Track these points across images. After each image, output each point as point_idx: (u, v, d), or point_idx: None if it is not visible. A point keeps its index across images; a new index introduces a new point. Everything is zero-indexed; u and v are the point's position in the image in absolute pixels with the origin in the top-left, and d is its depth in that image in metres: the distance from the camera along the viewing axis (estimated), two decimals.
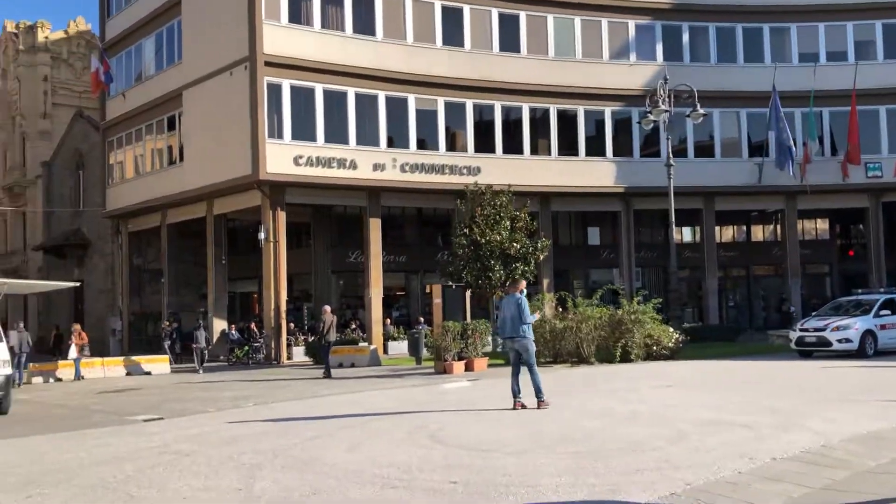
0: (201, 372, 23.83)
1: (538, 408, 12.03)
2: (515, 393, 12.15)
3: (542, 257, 26.05)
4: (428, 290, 36.94)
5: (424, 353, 23.31)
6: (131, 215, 36.66)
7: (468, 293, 28.46)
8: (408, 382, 17.99)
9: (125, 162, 36.57)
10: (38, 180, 46.43)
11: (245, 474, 8.16)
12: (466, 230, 25.64)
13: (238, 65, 28.66)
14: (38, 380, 23.46)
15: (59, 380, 23.67)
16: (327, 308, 22.50)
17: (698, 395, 13.51)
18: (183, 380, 22.48)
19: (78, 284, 22.74)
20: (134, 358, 27.04)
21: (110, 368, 25.25)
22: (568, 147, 33.43)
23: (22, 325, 24.33)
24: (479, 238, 24.84)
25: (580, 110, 33.45)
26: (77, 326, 25.70)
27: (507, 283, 12.46)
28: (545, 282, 32.38)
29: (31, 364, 24.41)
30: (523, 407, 11.95)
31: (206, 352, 25.96)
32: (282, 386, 18.47)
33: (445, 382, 17.48)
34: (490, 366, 20.61)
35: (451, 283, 22.31)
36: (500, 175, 29.53)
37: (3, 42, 50.07)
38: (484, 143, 32.11)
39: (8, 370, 14.52)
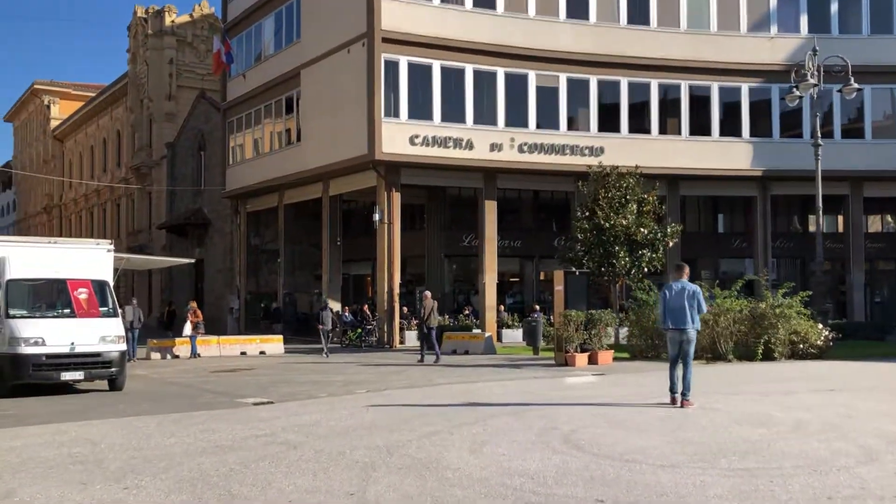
0: (327, 355, 22.99)
1: (682, 406, 10.65)
2: (675, 388, 11.04)
3: (671, 244, 24.24)
4: (542, 277, 35.64)
5: (541, 342, 22.05)
6: (250, 195, 36.99)
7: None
8: (527, 374, 16.81)
9: (244, 142, 36.90)
10: (162, 161, 47.86)
11: (358, 475, 7.21)
12: (588, 213, 24.23)
13: (356, 42, 28.08)
14: (156, 356, 23.68)
15: (177, 356, 23.82)
16: (427, 293, 21.93)
17: (873, 403, 11.68)
18: (295, 361, 22.12)
19: (193, 261, 22.68)
20: (249, 337, 27.05)
21: (225, 347, 25.28)
22: (700, 127, 31.15)
23: (135, 300, 24.63)
24: (602, 222, 23.36)
25: (714, 87, 31.09)
26: (193, 304, 25.85)
27: (674, 269, 11.45)
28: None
29: (150, 340, 24.73)
30: (685, 405, 10.82)
31: (331, 334, 25.05)
32: (395, 372, 17.67)
33: (568, 376, 16.19)
34: (615, 359, 19.11)
35: (574, 270, 20.84)
36: (625, 156, 27.77)
37: (134, 27, 51.83)
38: (608, 122, 30.35)
39: (123, 346, 14.34)
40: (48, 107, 70.66)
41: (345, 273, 33.43)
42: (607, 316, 19.55)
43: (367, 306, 30.28)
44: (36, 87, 70.98)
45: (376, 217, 27.77)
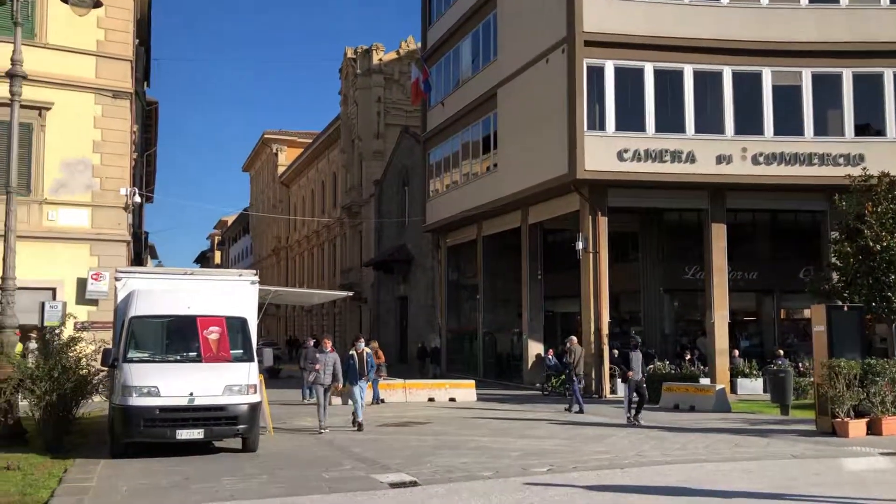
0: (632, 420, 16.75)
1: None
2: None
3: None
4: (784, 315, 29.94)
5: (791, 398, 17.13)
6: (449, 228, 34.87)
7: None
8: (779, 447, 12.30)
9: (443, 173, 34.92)
10: (370, 199, 47.50)
11: None
12: (849, 234, 19.03)
13: (555, 49, 24.92)
14: (336, 400, 21.50)
15: (382, 401, 21.53)
16: (574, 339, 20.68)
17: None
18: (482, 413, 18.92)
19: (350, 294, 20.30)
20: (438, 381, 24.34)
21: (412, 392, 22.71)
22: None
23: (375, 343, 22.63)
24: (871, 244, 18.09)
25: None
26: (374, 345, 23.55)
27: None
28: None
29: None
30: None
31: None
32: (594, 437, 13.79)
33: (843, 454, 11.50)
34: None
35: (841, 304, 15.84)
36: (892, 164, 21.95)
37: (345, 69, 52.58)
38: (867, 124, 24.57)
39: (254, 397, 11.90)
40: (276, 154, 74.62)
41: (548, 310, 29.96)
42: (893, 368, 14.27)
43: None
44: (266, 136, 75.33)
45: (579, 245, 24.12)
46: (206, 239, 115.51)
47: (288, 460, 11.40)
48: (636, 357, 16.96)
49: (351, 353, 16.03)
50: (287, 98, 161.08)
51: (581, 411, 18.73)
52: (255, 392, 11.88)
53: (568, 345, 20.27)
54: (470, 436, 13.99)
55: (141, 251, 46.30)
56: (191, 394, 11.29)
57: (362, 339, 16.82)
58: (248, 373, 11.88)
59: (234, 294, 13.02)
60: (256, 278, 13.76)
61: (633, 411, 16.07)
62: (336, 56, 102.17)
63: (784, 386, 17.29)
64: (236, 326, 12.49)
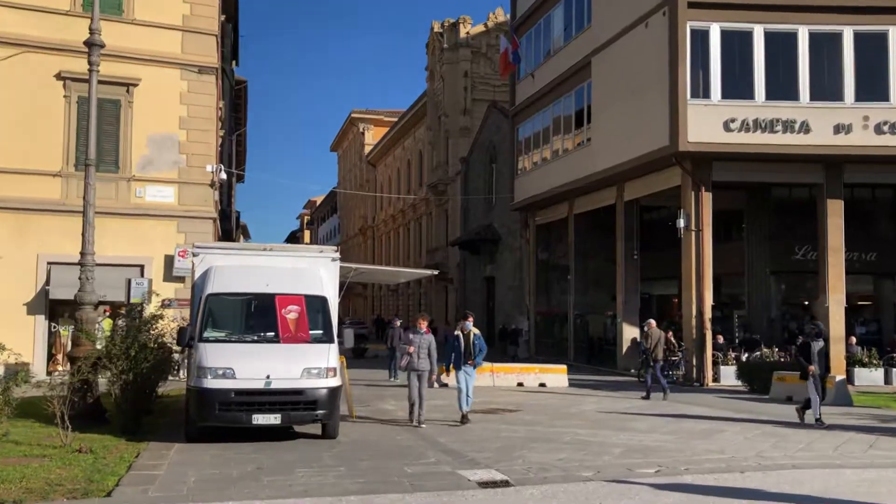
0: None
1: None
2: None
3: None
4: None
5: None
6: (538, 206, 33.59)
7: None
8: None
9: (532, 148, 33.61)
10: (457, 177, 46.57)
11: None
12: None
13: (655, 12, 23.26)
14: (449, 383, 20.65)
15: (444, 385, 20.69)
16: (652, 322, 19.70)
17: None
18: (575, 400, 17.79)
19: (434, 273, 18.99)
20: (527, 366, 23.27)
21: (499, 376, 21.71)
22: None
23: (397, 321, 21.68)
24: None
25: None
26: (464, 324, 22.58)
27: None
28: None
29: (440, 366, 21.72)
30: None
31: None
32: (701, 432, 12.46)
33: None
34: None
35: None
36: None
37: (431, 44, 51.63)
38: None
39: (334, 381, 11.09)
40: (363, 134, 74.57)
41: (644, 292, 28.39)
42: None
43: (671, 333, 24.99)
44: (353, 115, 75.33)
45: (681, 223, 22.52)
46: (296, 219, 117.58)
47: (369, 449, 10.60)
48: (817, 347, 14.19)
49: (456, 333, 13.99)
50: (375, 76, 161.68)
51: (664, 397, 18.19)
52: (336, 375, 11.07)
53: (646, 329, 19.52)
54: (564, 427, 12.89)
55: (232, 230, 46.87)
56: (268, 376, 10.58)
57: (471, 318, 14.19)
58: (328, 355, 11.09)
59: (314, 271, 12.25)
60: (338, 255, 12.94)
61: (820, 411, 13.69)
62: (424, 31, 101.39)
63: None
64: (316, 305, 11.73)
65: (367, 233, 73.20)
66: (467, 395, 13.45)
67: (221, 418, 10.47)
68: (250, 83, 52.32)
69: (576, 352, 30.76)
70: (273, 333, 11.35)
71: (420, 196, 55.18)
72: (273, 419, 10.54)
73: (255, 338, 11.41)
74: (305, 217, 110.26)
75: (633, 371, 24.68)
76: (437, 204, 50.71)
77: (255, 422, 10.48)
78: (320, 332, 11.54)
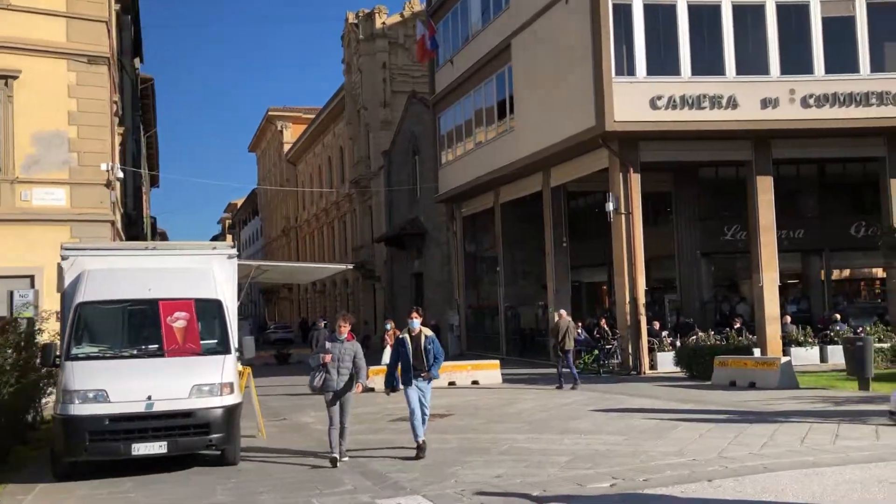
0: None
1: None
2: None
3: None
4: (836, 276, 27.47)
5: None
6: (464, 197, 32.42)
7: None
8: (888, 438, 9.78)
9: (455, 137, 32.40)
10: (380, 171, 45.09)
11: None
12: None
13: None
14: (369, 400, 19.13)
15: (371, 390, 19.26)
16: (562, 312, 19.65)
17: None
18: (511, 398, 16.62)
19: (347, 268, 17.32)
20: (458, 363, 22.01)
21: None
22: None
23: (322, 322, 20.16)
24: None
25: None
26: (391, 324, 21.27)
27: None
28: None
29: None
30: None
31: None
32: (652, 430, 11.26)
33: None
34: None
35: None
36: None
37: (347, 35, 49.94)
38: None
39: (231, 398, 9.52)
40: (281, 132, 72.24)
41: (575, 280, 27.52)
42: None
43: (604, 320, 24.16)
44: (270, 114, 72.89)
45: (610, 206, 21.63)
46: (217, 223, 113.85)
47: (273, 477, 9.09)
48: None
49: (402, 336, 10.56)
50: (291, 72, 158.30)
51: (573, 387, 17.78)
52: (233, 392, 9.53)
53: (556, 318, 19.33)
54: (501, 432, 11.63)
55: (146, 237, 44.19)
56: (149, 397, 8.97)
57: (416, 316, 10.62)
58: (223, 368, 9.51)
59: (207, 271, 10.64)
60: (234, 251, 11.29)
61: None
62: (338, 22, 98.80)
63: (864, 356, 14.83)
64: (210, 311, 10.14)
65: (290, 233, 70.95)
66: (424, 415, 10.23)
67: (94, 451, 8.78)
68: (162, 85, 49.61)
69: (508, 345, 29.76)
70: (156, 346, 9.71)
71: (343, 192, 53.43)
72: (157, 448, 8.90)
73: (135, 352, 9.74)
74: (227, 221, 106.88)
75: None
76: (361, 200, 49.11)
77: (135, 452, 8.84)
78: (214, 342, 9.95)
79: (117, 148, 26.03)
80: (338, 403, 9.80)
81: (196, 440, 9.14)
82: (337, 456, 9.64)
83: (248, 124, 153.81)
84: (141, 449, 8.85)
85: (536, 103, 25.06)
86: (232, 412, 9.48)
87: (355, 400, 10.33)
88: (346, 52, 50.37)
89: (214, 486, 8.57)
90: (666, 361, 21.24)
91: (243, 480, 8.92)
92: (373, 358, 14.98)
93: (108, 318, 10.05)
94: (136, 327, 10.06)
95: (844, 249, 26.85)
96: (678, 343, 21.70)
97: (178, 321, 9.71)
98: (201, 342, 9.84)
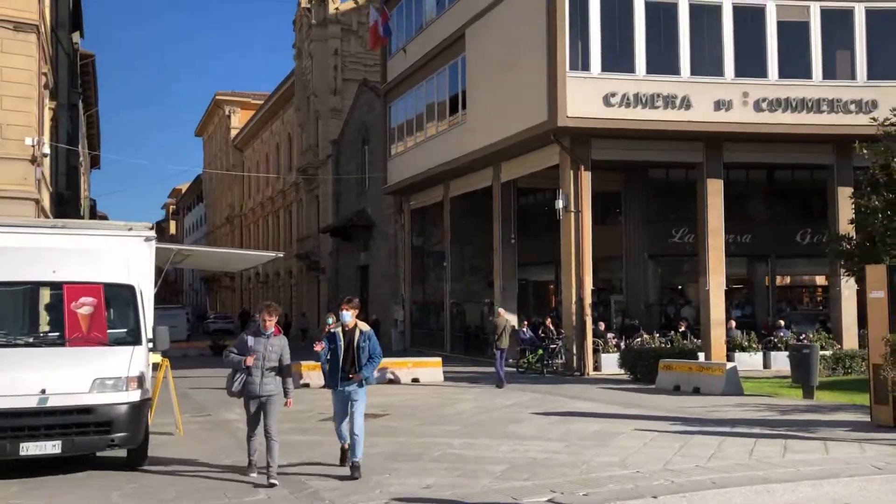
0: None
1: None
2: None
3: None
4: (781, 282, 27.51)
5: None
6: (413, 190, 31.69)
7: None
8: (846, 452, 9.30)
9: (405, 128, 31.64)
10: (328, 160, 44.03)
11: None
12: (874, 187, 16.34)
13: None
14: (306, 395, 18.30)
15: (307, 385, 18.47)
16: (501, 311, 20.00)
17: None
18: (451, 398, 15.98)
19: (277, 255, 16.39)
20: (398, 360, 21.32)
21: None
22: None
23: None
24: None
25: None
26: (332, 318, 20.43)
27: None
28: None
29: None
30: None
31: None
32: (594, 436, 10.72)
33: None
34: None
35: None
36: None
37: (299, 20, 48.72)
38: (882, 67, 21.86)
39: (136, 394, 8.55)
40: (229, 117, 70.42)
41: (522, 279, 27.03)
42: None
43: (550, 320, 23.71)
44: (218, 98, 70.99)
45: (560, 203, 21.16)
46: (161, 208, 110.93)
47: (181, 481, 8.26)
48: None
49: (334, 331, 8.89)
50: (241, 56, 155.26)
51: (499, 386, 17.73)
52: (140, 386, 8.64)
53: (493, 317, 19.33)
54: (436, 436, 10.96)
55: (83, 218, 42.35)
56: (43, 391, 8.05)
57: (348, 307, 8.87)
58: (131, 360, 8.62)
59: (120, 254, 9.74)
60: (152, 233, 10.41)
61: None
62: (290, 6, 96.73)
63: (810, 364, 14.57)
64: (121, 297, 9.24)
65: (235, 222, 69.26)
66: (354, 433, 8.46)
67: None
68: (108, 64, 47.65)
69: (452, 342, 29.17)
70: (57, 334, 8.79)
71: (290, 181, 52.17)
72: (51, 447, 7.98)
73: (31, 340, 8.80)
74: (171, 206, 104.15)
75: (510, 361, 23.20)
76: (308, 190, 47.98)
77: (23, 452, 7.92)
78: (124, 331, 9.06)
79: (47, 123, 24.66)
80: (259, 409, 8.39)
81: (96, 439, 8.24)
82: (254, 473, 8.33)
83: (195, 108, 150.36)
84: (31, 449, 7.93)
85: (489, 96, 24.47)
86: (139, 409, 8.60)
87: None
88: (298, 37, 49.15)
89: (111, 492, 7.71)
90: (610, 363, 20.89)
91: (146, 484, 8.08)
92: (310, 354, 14.05)
93: (6, 301, 9.07)
94: (37, 312, 9.10)
95: (790, 256, 26.93)
96: (623, 345, 21.39)
97: (84, 307, 8.79)
98: (109, 331, 8.94)
